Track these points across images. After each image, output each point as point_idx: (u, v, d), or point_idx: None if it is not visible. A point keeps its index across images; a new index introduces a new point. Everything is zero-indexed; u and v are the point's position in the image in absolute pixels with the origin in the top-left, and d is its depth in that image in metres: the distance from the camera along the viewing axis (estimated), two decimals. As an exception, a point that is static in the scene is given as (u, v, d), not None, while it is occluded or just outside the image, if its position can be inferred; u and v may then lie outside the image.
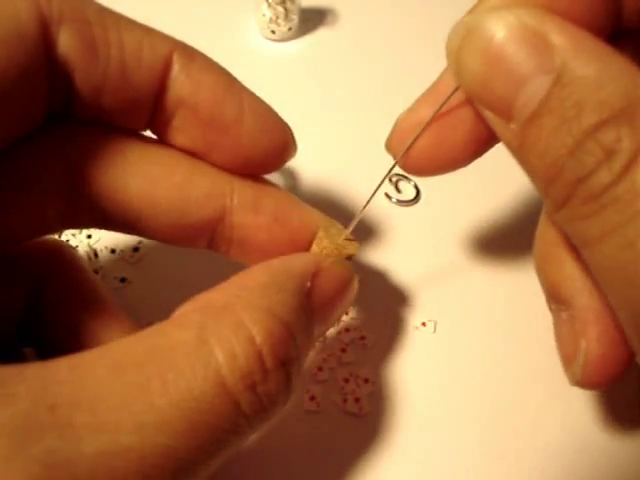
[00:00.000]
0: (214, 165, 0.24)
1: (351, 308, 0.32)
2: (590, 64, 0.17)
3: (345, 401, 0.29)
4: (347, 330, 0.31)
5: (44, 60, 0.20)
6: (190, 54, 0.23)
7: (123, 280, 0.32)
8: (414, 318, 0.32)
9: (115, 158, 0.23)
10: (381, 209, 0.36)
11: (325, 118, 0.41)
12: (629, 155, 0.16)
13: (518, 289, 0.33)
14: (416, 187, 0.37)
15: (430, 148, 0.24)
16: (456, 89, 0.22)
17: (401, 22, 0.48)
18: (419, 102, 0.25)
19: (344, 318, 0.31)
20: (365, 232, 0.34)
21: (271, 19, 0.45)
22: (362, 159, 0.39)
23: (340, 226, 0.27)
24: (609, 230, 0.17)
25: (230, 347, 0.18)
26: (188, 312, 0.19)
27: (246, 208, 0.24)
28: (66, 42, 0.21)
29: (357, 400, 0.29)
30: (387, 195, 0.37)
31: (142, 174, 0.23)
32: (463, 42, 0.20)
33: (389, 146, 0.26)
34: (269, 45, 0.46)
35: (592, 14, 0.20)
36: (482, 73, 0.19)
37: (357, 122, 0.41)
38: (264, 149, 0.24)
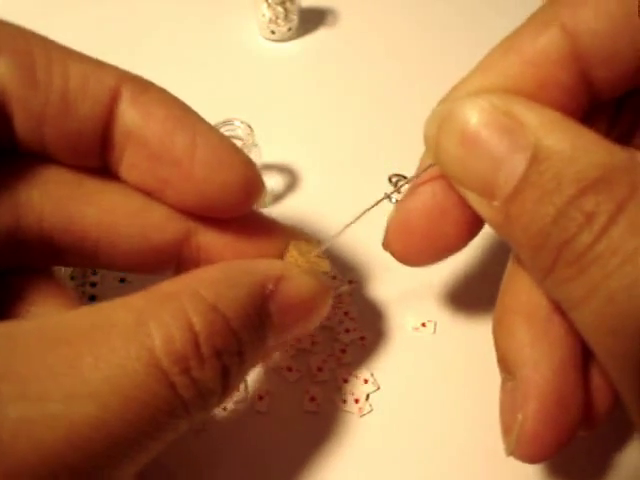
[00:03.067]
0: (170, 205, 0.23)
1: (351, 308, 0.32)
2: (564, 139, 0.19)
3: (345, 401, 0.29)
4: (347, 330, 0.31)
5: None
6: (142, 87, 0.22)
7: (122, 281, 0.32)
8: (414, 318, 0.32)
9: (69, 188, 0.22)
10: (381, 209, 0.36)
11: (325, 118, 0.41)
12: (608, 216, 0.17)
13: (518, 289, 0.33)
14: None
15: (423, 242, 0.25)
16: (430, 165, 0.23)
17: (401, 22, 0.48)
18: (404, 201, 0.25)
19: (344, 318, 0.31)
20: (365, 232, 0.34)
21: (271, 19, 0.45)
22: (362, 158, 0.39)
23: (314, 242, 0.26)
24: (593, 288, 0.18)
25: (168, 331, 0.18)
26: (133, 295, 0.19)
27: (210, 227, 0.24)
28: (3, 70, 0.20)
29: (357, 400, 0.29)
30: (387, 195, 0.37)
31: (98, 203, 0.23)
32: (440, 128, 0.21)
33: (386, 245, 0.26)
34: (269, 45, 0.46)
35: (561, 95, 0.21)
36: (461, 157, 0.20)
37: (357, 122, 0.41)
38: (221, 186, 0.22)
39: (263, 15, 0.45)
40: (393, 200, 0.37)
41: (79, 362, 0.17)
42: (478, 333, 0.31)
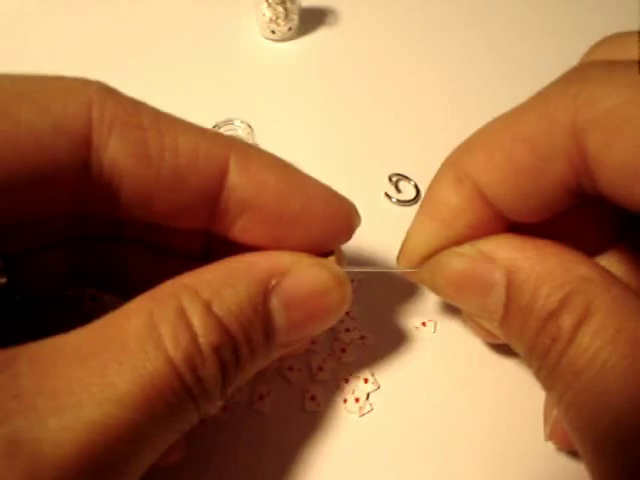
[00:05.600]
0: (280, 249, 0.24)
1: (352, 307, 0.32)
2: (528, 266, 0.22)
3: (345, 401, 0.29)
4: (347, 330, 0.31)
5: (81, 162, 0.20)
6: (245, 152, 0.23)
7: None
8: (414, 318, 0.32)
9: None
10: (381, 209, 0.36)
11: (325, 118, 0.41)
12: (567, 337, 0.20)
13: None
14: (416, 187, 0.37)
15: None
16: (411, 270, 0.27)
17: (401, 22, 0.48)
18: (421, 221, 0.26)
19: (345, 317, 0.31)
20: (365, 232, 0.34)
21: (271, 19, 0.45)
22: (362, 158, 0.39)
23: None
24: (558, 400, 0.21)
25: (174, 331, 0.19)
26: (140, 297, 0.20)
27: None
28: (116, 147, 0.20)
29: (357, 400, 0.29)
30: (387, 195, 0.37)
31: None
32: (435, 276, 0.25)
33: (401, 263, 0.28)
34: (269, 45, 0.46)
35: (490, 227, 0.24)
36: (456, 296, 0.25)
37: (357, 122, 0.41)
38: (332, 232, 0.25)
39: (263, 15, 0.45)
40: (393, 200, 0.37)
41: (106, 371, 0.18)
42: (478, 333, 0.31)
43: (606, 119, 0.19)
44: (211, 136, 0.22)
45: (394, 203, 0.37)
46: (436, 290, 0.26)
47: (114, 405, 0.17)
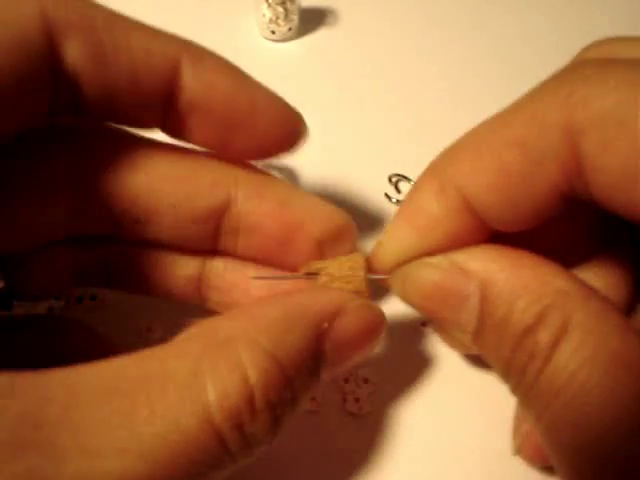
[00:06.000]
0: (227, 156, 0.25)
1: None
2: (503, 279, 0.21)
3: (345, 401, 0.29)
4: (347, 330, 0.31)
5: (47, 67, 0.20)
6: (199, 54, 0.23)
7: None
8: (414, 318, 0.32)
9: (120, 157, 0.23)
10: (381, 209, 0.36)
11: (325, 118, 0.41)
12: (544, 355, 0.20)
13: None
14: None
15: None
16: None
17: (401, 22, 0.48)
18: (397, 226, 0.25)
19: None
20: (365, 232, 0.34)
21: (271, 19, 0.45)
22: (362, 158, 0.39)
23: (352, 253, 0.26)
24: (537, 418, 0.20)
25: (223, 384, 0.18)
26: (189, 338, 0.19)
27: (251, 195, 0.24)
28: (74, 51, 0.21)
29: (357, 400, 0.29)
30: (387, 195, 0.37)
31: (147, 170, 0.24)
32: (406, 287, 0.24)
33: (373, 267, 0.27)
34: (269, 45, 0.46)
35: (472, 236, 0.23)
36: (427, 307, 0.24)
37: (357, 122, 0.41)
38: (278, 138, 0.25)
39: (263, 15, 0.45)
40: (393, 200, 0.37)
41: (134, 416, 0.17)
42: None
43: (602, 120, 0.19)
44: (164, 36, 0.23)
45: (394, 203, 0.37)
46: (406, 300, 0.25)
47: (136, 459, 0.16)
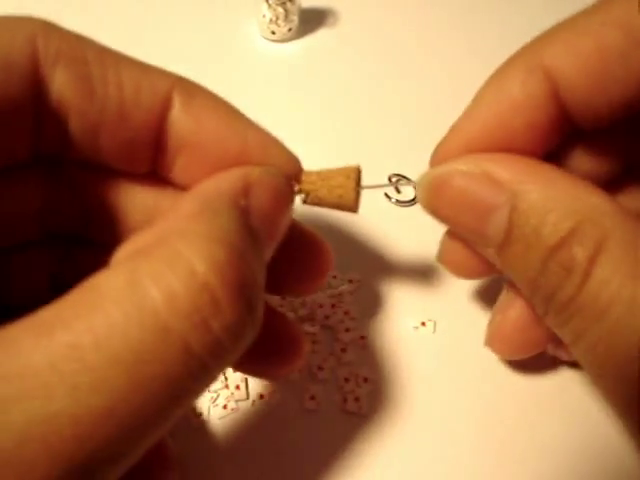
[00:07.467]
0: None
1: (351, 307, 0.32)
2: (536, 191, 0.20)
3: (345, 401, 0.29)
4: (347, 330, 0.31)
5: (31, 93, 0.20)
6: (190, 90, 0.22)
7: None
8: (414, 318, 0.32)
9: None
10: (381, 209, 0.36)
11: (325, 118, 0.42)
12: (583, 269, 0.19)
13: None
14: (416, 188, 0.37)
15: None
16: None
17: (401, 22, 0.48)
18: (473, 110, 0.24)
19: (344, 317, 0.31)
20: (365, 232, 0.34)
21: (271, 20, 0.45)
22: (362, 159, 0.39)
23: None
24: (577, 337, 0.20)
25: (167, 283, 0.15)
26: (117, 261, 0.17)
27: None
28: (61, 81, 0.20)
29: (357, 400, 0.29)
30: (387, 195, 0.37)
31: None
32: (430, 195, 0.23)
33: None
34: (269, 46, 0.46)
35: (546, 134, 0.22)
36: (453, 217, 0.23)
37: (357, 122, 0.41)
38: None
39: (263, 15, 0.45)
40: (393, 200, 0.37)
41: (78, 345, 0.15)
42: (478, 333, 0.31)
43: None
44: (155, 71, 0.22)
45: (394, 204, 0.37)
46: (430, 208, 0.24)
47: (89, 394, 0.15)
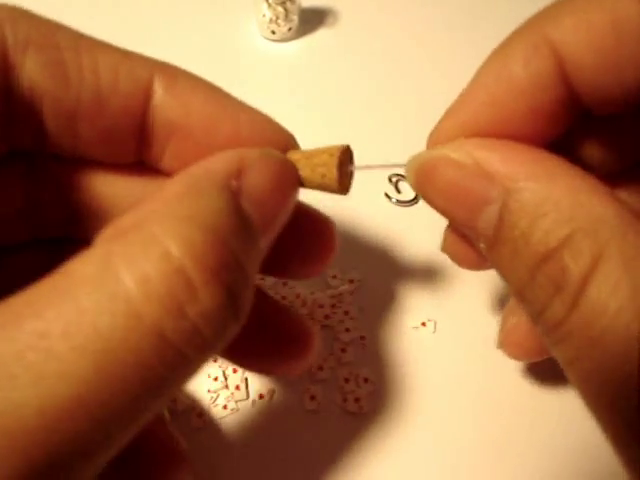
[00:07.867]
0: None
1: (351, 307, 0.32)
2: (530, 190, 0.18)
3: (345, 401, 0.29)
4: (347, 330, 0.31)
5: (0, 86, 0.19)
6: (172, 74, 0.21)
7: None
8: (414, 318, 0.32)
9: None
10: (381, 209, 0.36)
11: (325, 117, 0.42)
12: (575, 289, 0.16)
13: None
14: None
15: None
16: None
17: (401, 22, 0.48)
18: (471, 91, 0.22)
19: (344, 317, 0.31)
20: (365, 232, 0.34)
21: (271, 19, 0.45)
22: (362, 159, 0.39)
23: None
24: (568, 362, 0.17)
25: (140, 268, 0.15)
26: (93, 247, 0.16)
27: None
28: (32, 69, 0.19)
29: (357, 400, 0.29)
30: (387, 195, 0.37)
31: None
32: (421, 181, 0.22)
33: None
34: (269, 45, 0.46)
35: (551, 118, 0.20)
36: (444, 207, 0.21)
37: (357, 121, 0.41)
38: None
39: (263, 15, 0.45)
40: (393, 200, 0.37)
41: (47, 334, 0.14)
42: (478, 333, 0.31)
43: None
44: (134, 56, 0.21)
45: (394, 203, 0.37)
46: (420, 192, 0.22)
47: (57, 384, 0.14)
